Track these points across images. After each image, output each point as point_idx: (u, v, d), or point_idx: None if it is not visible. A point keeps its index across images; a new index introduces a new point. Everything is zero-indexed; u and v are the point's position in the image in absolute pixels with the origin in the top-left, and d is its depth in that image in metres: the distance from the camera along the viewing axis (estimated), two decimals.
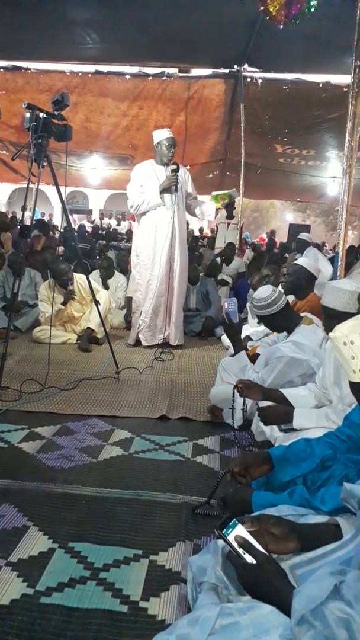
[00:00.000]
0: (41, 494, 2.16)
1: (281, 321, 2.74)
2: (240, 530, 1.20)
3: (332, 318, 2.10)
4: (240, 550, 1.16)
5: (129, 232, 13.13)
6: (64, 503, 2.09)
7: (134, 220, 5.57)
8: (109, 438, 2.79)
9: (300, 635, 0.94)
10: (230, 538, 1.18)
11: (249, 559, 1.14)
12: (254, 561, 1.13)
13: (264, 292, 2.70)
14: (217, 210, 4.72)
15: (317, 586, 1.00)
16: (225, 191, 4.57)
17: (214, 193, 4.59)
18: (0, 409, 3.10)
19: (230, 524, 1.21)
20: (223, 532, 1.19)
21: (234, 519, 1.22)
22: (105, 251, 8.17)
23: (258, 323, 3.39)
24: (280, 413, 2.24)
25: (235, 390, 2.46)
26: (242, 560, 1.14)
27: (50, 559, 1.73)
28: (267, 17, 4.46)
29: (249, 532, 1.20)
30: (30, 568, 1.67)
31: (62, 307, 4.90)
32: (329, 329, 2.21)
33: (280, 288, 3.69)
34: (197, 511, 2.02)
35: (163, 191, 4.66)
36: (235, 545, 1.17)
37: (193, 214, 5.14)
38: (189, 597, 1.37)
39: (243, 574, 1.14)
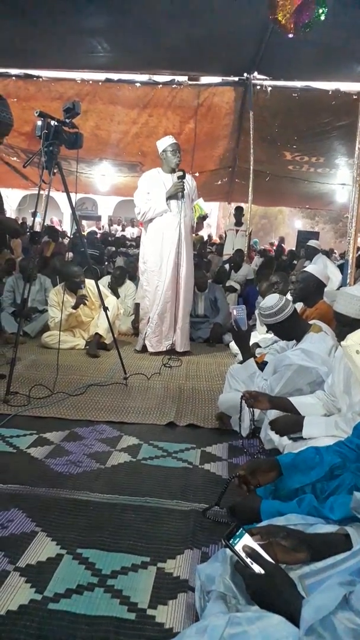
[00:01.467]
0: (49, 499, 2.16)
1: (289, 329, 2.73)
2: (247, 540, 1.19)
3: (344, 325, 2.10)
4: (248, 560, 1.15)
5: (138, 239, 13.18)
6: (72, 509, 2.09)
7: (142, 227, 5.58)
8: (116, 444, 2.79)
9: None
10: (238, 548, 1.17)
11: (257, 569, 1.13)
12: (262, 571, 1.13)
13: (271, 300, 2.70)
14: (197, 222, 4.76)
15: (326, 596, 0.99)
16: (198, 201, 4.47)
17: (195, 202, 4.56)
18: (9, 414, 3.12)
19: (238, 533, 1.20)
20: (230, 542, 1.18)
21: (241, 529, 1.21)
22: (114, 258, 8.19)
23: (267, 331, 3.39)
24: (291, 422, 2.24)
25: (243, 401, 2.45)
26: (250, 570, 1.14)
27: (59, 565, 1.72)
28: (277, 27, 4.48)
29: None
30: (38, 574, 1.67)
31: (73, 311, 4.91)
32: (340, 335, 2.20)
33: (288, 296, 3.69)
34: (207, 515, 2.00)
35: (169, 197, 4.68)
36: (243, 555, 1.16)
37: None
38: (196, 606, 1.37)
39: (251, 584, 1.13)
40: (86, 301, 4.97)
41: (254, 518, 1.47)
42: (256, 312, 5.02)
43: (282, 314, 2.65)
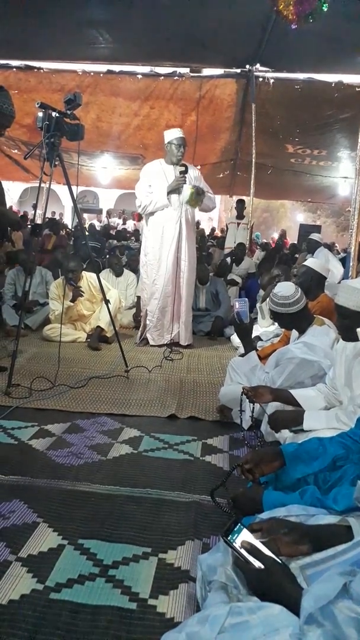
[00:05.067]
0: (51, 490, 2.17)
1: (296, 320, 2.73)
2: (246, 535, 1.19)
3: (345, 317, 2.10)
4: (248, 556, 1.15)
5: (136, 232, 13.14)
6: (74, 500, 2.10)
7: (138, 220, 5.59)
8: (118, 436, 2.80)
9: (309, 634, 0.94)
10: (237, 544, 1.17)
11: (257, 564, 1.14)
12: (262, 566, 1.13)
13: (288, 290, 2.67)
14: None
15: (326, 585, 1.00)
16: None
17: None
18: (10, 406, 3.13)
19: (235, 529, 1.20)
20: (229, 538, 1.18)
21: (239, 524, 1.21)
22: (122, 253, 8.19)
23: (272, 318, 3.35)
24: (290, 417, 2.24)
25: (244, 397, 2.44)
26: (251, 565, 1.14)
27: (60, 555, 1.73)
28: (279, 17, 4.45)
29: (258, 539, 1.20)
30: (40, 564, 1.68)
31: (71, 304, 4.91)
32: (341, 327, 2.20)
33: None
34: (214, 497, 1.92)
35: (171, 192, 4.66)
36: (243, 551, 1.16)
37: (204, 210, 5.10)
38: (198, 596, 1.38)
39: (252, 579, 1.14)
40: (82, 293, 4.94)
41: (255, 509, 1.47)
42: (257, 305, 5.02)
43: (296, 305, 2.64)
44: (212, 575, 1.23)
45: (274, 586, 1.10)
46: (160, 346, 4.80)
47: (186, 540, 1.84)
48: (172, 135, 4.75)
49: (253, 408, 2.66)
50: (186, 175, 4.64)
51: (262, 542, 1.18)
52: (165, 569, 1.70)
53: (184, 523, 1.95)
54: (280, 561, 1.16)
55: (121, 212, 19.59)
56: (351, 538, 1.20)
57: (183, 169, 4.65)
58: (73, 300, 4.92)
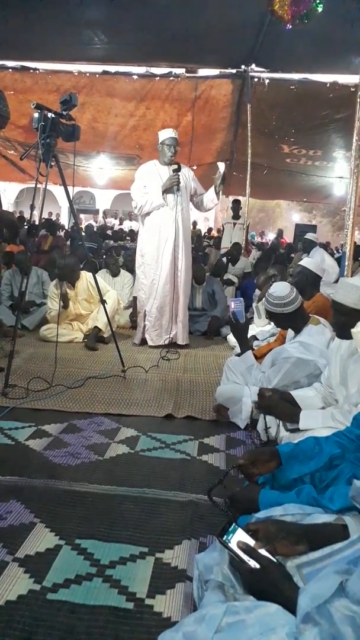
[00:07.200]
0: (48, 491, 2.17)
1: (292, 320, 2.74)
2: (241, 535, 1.19)
3: (341, 314, 2.10)
4: (244, 556, 1.16)
5: (132, 232, 13.13)
6: (71, 500, 2.10)
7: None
8: (115, 436, 2.80)
9: (305, 633, 0.94)
10: (232, 544, 1.18)
11: (253, 563, 1.14)
12: (258, 566, 1.13)
13: (283, 290, 2.68)
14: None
15: (323, 584, 1.00)
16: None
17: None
18: (7, 407, 3.12)
19: (230, 529, 1.20)
20: (224, 538, 1.19)
21: (233, 524, 1.21)
22: (118, 253, 8.19)
23: (267, 318, 3.35)
24: (285, 412, 2.25)
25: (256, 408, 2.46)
26: (247, 565, 1.14)
27: (57, 555, 1.73)
28: (274, 18, 4.46)
29: (253, 539, 1.20)
30: (37, 564, 1.68)
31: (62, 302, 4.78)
32: (336, 324, 2.21)
33: None
34: (211, 495, 1.92)
35: (165, 191, 4.67)
36: (238, 551, 1.17)
37: (200, 209, 5.09)
38: (194, 595, 1.38)
39: (248, 579, 1.14)
40: (58, 274, 4.85)
41: (252, 508, 1.48)
42: (254, 305, 5.03)
43: (291, 306, 2.66)
44: (209, 575, 1.23)
45: (270, 585, 1.11)
46: (158, 347, 4.80)
47: (183, 539, 1.84)
48: (164, 135, 4.76)
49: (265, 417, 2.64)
50: (179, 173, 4.64)
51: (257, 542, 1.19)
52: (162, 568, 1.70)
53: (180, 522, 1.96)
54: (276, 560, 1.16)
55: (116, 212, 19.60)
56: (347, 537, 1.20)
57: (175, 167, 4.65)
58: (65, 307, 4.85)
